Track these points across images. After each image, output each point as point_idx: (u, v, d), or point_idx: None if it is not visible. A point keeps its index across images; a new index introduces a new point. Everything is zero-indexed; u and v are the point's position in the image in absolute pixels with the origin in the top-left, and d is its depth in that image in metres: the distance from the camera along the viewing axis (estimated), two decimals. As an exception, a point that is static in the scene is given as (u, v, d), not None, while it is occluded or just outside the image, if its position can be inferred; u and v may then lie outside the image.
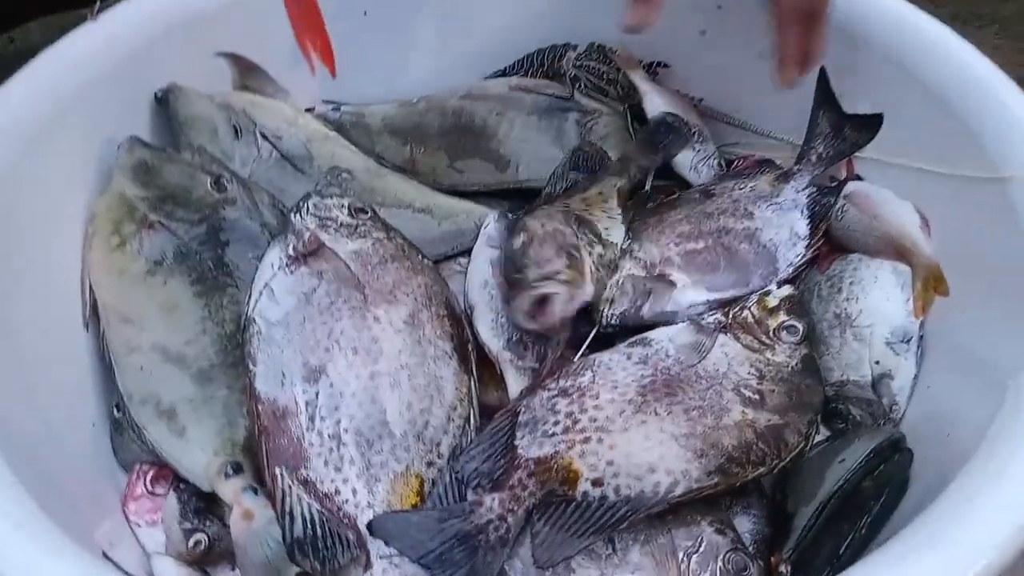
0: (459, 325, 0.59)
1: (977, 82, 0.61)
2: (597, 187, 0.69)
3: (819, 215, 0.67)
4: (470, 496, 0.50)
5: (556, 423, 0.52)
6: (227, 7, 0.70)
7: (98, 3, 0.65)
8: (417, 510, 0.50)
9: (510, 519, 0.49)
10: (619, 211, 0.68)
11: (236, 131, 0.67)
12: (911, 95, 0.65)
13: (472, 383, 0.56)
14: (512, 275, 0.60)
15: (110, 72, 0.63)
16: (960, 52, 0.63)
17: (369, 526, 0.48)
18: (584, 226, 0.64)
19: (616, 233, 0.65)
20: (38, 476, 0.44)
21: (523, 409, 0.53)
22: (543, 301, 0.57)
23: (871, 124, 0.69)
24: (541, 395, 0.54)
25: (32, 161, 0.57)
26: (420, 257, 0.61)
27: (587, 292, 0.59)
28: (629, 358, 0.56)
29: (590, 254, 0.62)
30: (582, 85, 0.78)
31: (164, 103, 0.67)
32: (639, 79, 0.77)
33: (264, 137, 0.68)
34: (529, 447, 0.51)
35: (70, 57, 0.61)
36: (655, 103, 0.76)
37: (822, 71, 0.71)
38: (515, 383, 0.58)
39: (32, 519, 0.39)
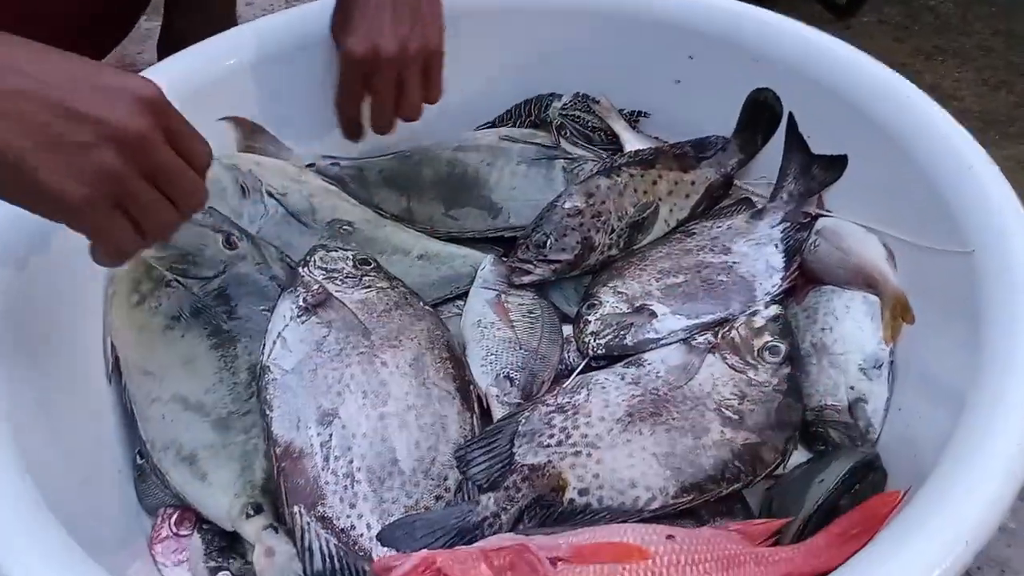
0: (460, 366, 0.63)
1: (942, 139, 0.65)
2: (692, 175, 0.76)
3: (793, 248, 0.72)
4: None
5: (551, 436, 0.57)
6: (228, 75, 0.75)
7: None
8: (419, 514, 0.54)
9: (504, 517, 0.54)
10: (689, 207, 0.76)
11: (243, 190, 0.71)
12: (874, 143, 0.70)
13: (474, 420, 0.60)
14: (532, 228, 0.72)
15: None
16: (925, 107, 0.68)
17: (379, 536, 0.52)
18: (631, 226, 0.73)
19: (651, 236, 0.74)
20: (75, 521, 0.47)
21: (524, 420, 0.58)
22: (525, 273, 0.70)
23: (837, 164, 0.74)
24: (540, 410, 0.59)
25: (56, 228, 0.61)
26: (421, 304, 0.66)
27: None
28: (623, 378, 0.61)
29: (601, 253, 0.72)
30: (567, 133, 0.83)
31: None
32: (620, 127, 0.82)
33: (270, 195, 0.72)
34: (526, 455, 0.56)
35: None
36: (633, 147, 0.81)
37: (791, 116, 0.76)
38: (499, 415, 0.62)
39: (82, 564, 0.43)
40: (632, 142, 0.81)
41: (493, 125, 0.86)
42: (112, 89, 0.42)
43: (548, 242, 0.71)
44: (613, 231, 0.73)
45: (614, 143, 0.83)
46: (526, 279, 0.71)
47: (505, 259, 0.73)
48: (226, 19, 1.03)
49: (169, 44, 1.03)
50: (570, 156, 0.81)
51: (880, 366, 0.63)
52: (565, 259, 0.71)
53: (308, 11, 0.78)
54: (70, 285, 0.61)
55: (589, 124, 0.83)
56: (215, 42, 0.76)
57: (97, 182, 0.42)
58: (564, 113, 0.83)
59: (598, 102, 0.83)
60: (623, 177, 0.75)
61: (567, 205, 0.72)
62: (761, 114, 0.79)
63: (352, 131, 0.73)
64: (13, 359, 0.53)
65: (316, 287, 0.62)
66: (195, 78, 0.73)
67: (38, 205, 0.43)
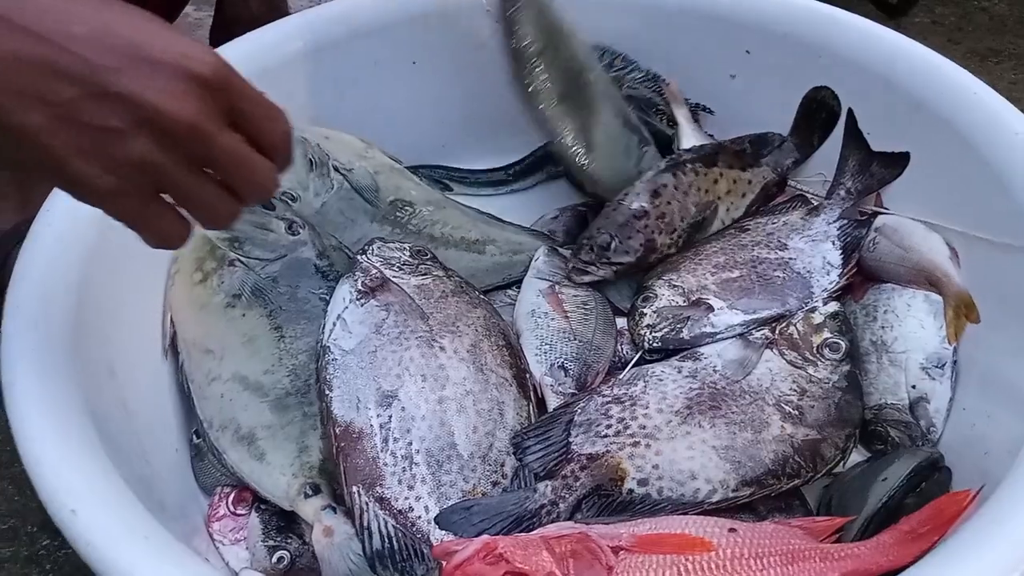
0: (516, 355, 0.63)
1: (1011, 134, 0.64)
2: (749, 174, 0.76)
3: (850, 246, 0.71)
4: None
5: (609, 426, 0.57)
6: (282, 64, 0.75)
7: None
8: (476, 499, 0.54)
9: (561, 506, 0.54)
10: (744, 207, 0.75)
11: (311, 163, 0.72)
12: (938, 139, 0.68)
13: (531, 408, 0.60)
14: (596, 228, 0.71)
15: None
16: (993, 102, 0.67)
17: (437, 520, 0.52)
18: (693, 225, 0.72)
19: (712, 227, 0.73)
20: (143, 495, 0.48)
21: (579, 411, 0.58)
22: (586, 274, 0.69)
23: (898, 161, 0.73)
24: (596, 400, 0.59)
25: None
26: (476, 293, 0.66)
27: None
28: (679, 371, 0.61)
29: (662, 253, 0.71)
30: (632, 107, 0.81)
31: None
32: (682, 117, 0.81)
33: (336, 169, 0.73)
34: (583, 444, 0.56)
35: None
36: (689, 141, 0.80)
37: (850, 112, 0.75)
38: (554, 405, 0.62)
39: (157, 533, 0.43)
40: (689, 135, 0.80)
41: None
42: (160, 63, 0.35)
43: (612, 244, 0.70)
44: (675, 231, 0.72)
45: (669, 128, 0.82)
46: (586, 279, 0.70)
47: (560, 248, 0.73)
48: (278, 9, 1.03)
49: (221, 33, 1.04)
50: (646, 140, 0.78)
51: (943, 365, 0.62)
52: (627, 261, 0.70)
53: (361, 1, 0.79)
54: (138, 261, 0.62)
55: (655, 104, 0.82)
56: (269, 31, 0.77)
57: (129, 173, 0.36)
58: (633, 87, 0.82)
59: (668, 84, 0.82)
60: (688, 176, 0.74)
61: (634, 206, 0.71)
62: (818, 113, 0.78)
63: None
64: (84, 330, 0.54)
65: (374, 272, 0.63)
66: (247, 67, 0.73)
67: (70, 191, 0.38)
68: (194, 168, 0.38)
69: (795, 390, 0.60)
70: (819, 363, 0.62)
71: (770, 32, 0.79)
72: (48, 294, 0.53)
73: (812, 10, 0.79)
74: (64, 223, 0.57)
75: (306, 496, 0.56)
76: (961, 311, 0.64)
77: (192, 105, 0.36)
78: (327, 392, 0.57)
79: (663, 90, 0.82)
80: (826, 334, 0.63)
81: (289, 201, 0.70)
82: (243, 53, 0.74)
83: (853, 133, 0.75)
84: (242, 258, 0.64)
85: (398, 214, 0.73)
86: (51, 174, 0.37)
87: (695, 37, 0.82)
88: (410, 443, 0.55)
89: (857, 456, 0.61)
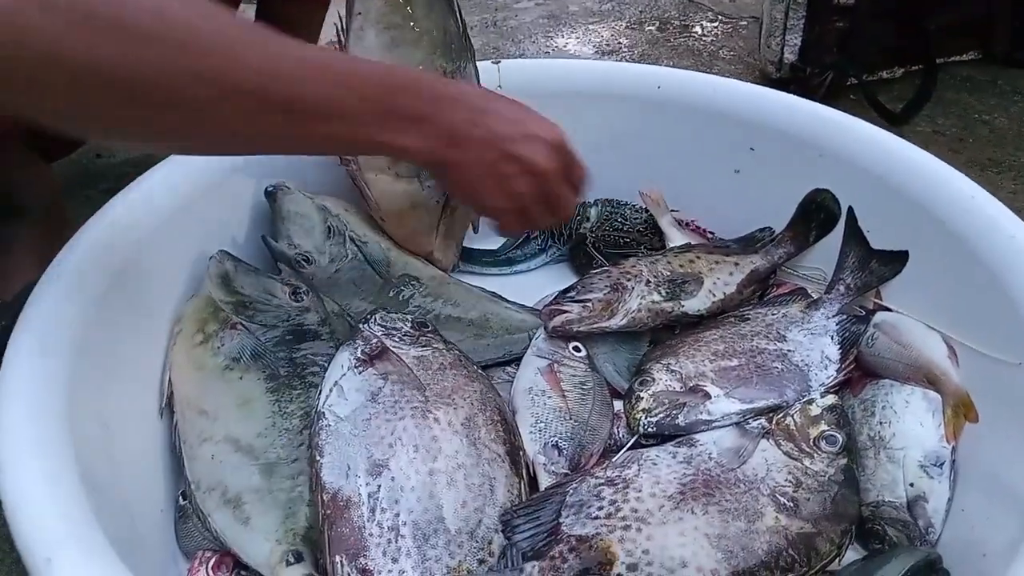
0: (510, 431, 0.63)
1: (1008, 239, 0.65)
2: (734, 258, 0.78)
3: (849, 340, 0.71)
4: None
5: (600, 508, 0.56)
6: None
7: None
8: None
9: None
10: (735, 284, 0.77)
11: (330, 231, 0.75)
12: (938, 241, 0.70)
13: (523, 485, 0.60)
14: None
15: (210, 187, 0.71)
16: (991, 208, 0.68)
17: None
18: (671, 282, 0.75)
19: (698, 303, 0.75)
20: (122, 551, 0.47)
21: (571, 491, 0.57)
22: (559, 314, 0.72)
23: (896, 259, 0.74)
24: (589, 481, 0.58)
25: (136, 268, 0.63)
26: (475, 367, 0.66)
27: (609, 324, 0.73)
28: (674, 456, 0.60)
29: (641, 298, 0.74)
30: (601, 248, 0.85)
31: (271, 198, 0.75)
32: (666, 223, 0.85)
33: (352, 240, 0.75)
34: (573, 525, 0.55)
35: (175, 174, 0.69)
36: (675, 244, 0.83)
37: (851, 209, 0.77)
38: (546, 484, 0.62)
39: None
40: (677, 238, 0.82)
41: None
42: (536, 138, 0.59)
43: (576, 287, 0.74)
44: (649, 283, 0.74)
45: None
46: (559, 319, 0.71)
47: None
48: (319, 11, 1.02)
49: None
50: None
51: (941, 464, 0.62)
52: (594, 297, 0.72)
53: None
54: (142, 321, 0.63)
55: (621, 237, 0.86)
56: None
57: (513, 199, 0.60)
58: (595, 232, 0.86)
59: (625, 204, 0.87)
60: (661, 257, 0.78)
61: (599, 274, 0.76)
62: (816, 214, 0.80)
63: None
64: (81, 381, 0.54)
65: (375, 341, 0.63)
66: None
67: (479, 211, 0.71)
68: (544, 200, 0.61)
69: (791, 481, 0.59)
70: (815, 455, 0.61)
71: (774, 131, 0.82)
72: (49, 344, 0.54)
73: (815, 114, 0.82)
74: (72, 276, 0.58)
75: (288, 564, 0.55)
76: (960, 410, 0.63)
77: (551, 162, 0.60)
78: (318, 458, 0.56)
79: (625, 214, 0.86)
80: (823, 426, 0.63)
81: (304, 263, 0.72)
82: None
83: (853, 230, 0.77)
84: (244, 321, 0.64)
85: (405, 288, 0.75)
86: (469, 201, 0.65)
87: (701, 133, 0.85)
88: (397, 514, 0.54)
89: (853, 554, 0.59)
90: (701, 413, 0.65)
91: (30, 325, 0.55)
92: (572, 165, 0.62)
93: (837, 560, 0.57)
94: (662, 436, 0.65)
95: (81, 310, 0.57)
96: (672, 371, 0.69)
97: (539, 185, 0.60)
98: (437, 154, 0.56)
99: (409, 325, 0.66)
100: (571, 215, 0.69)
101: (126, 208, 0.65)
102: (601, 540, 0.54)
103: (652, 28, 1.56)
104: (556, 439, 0.64)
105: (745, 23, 1.57)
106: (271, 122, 0.49)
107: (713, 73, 1.39)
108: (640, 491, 0.57)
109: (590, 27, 1.56)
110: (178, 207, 0.69)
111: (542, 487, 0.61)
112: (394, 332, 0.65)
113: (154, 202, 0.67)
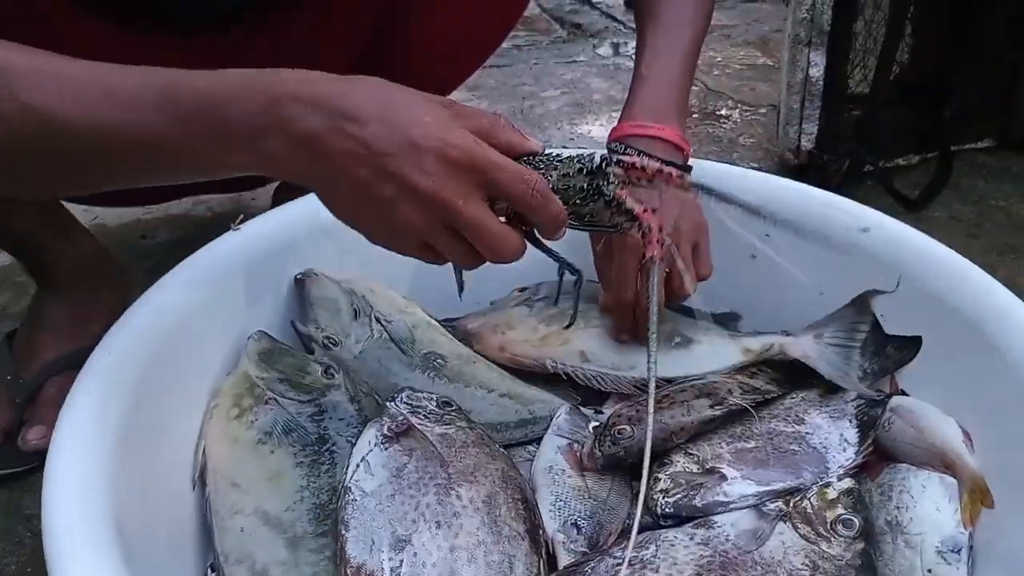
0: (530, 509, 0.64)
1: (1020, 328, 0.67)
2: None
3: (867, 424, 0.72)
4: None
5: None
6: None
7: (241, 216, 0.79)
8: None
9: None
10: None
11: (355, 312, 0.78)
12: (951, 328, 0.72)
13: (541, 564, 0.61)
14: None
15: (250, 268, 0.75)
16: (1002, 298, 0.71)
17: None
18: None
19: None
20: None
21: (590, 570, 0.58)
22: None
23: (911, 344, 0.76)
24: (607, 561, 0.59)
25: (176, 348, 0.67)
26: (497, 446, 0.68)
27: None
28: (692, 538, 0.61)
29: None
30: None
31: (300, 285, 0.79)
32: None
33: (378, 320, 0.79)
34: None
35: (216, 256, 0.74)
36: None
37: (864, 296, 0.79)
38: (565, 562, 0.62)
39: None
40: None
41: None
42: (422, 149, 0.45)
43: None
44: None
45: None
46: (600, 463, 0.70)
47: (581, 408, 0.76)
48: None
49: None
50: None
51: (959, 550, 0.62)
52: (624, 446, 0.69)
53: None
54: (180, 397, 0.66)
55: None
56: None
57: (403, 233, 0.49)
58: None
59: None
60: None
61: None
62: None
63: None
64: (128, 451, 0.57)
65: (401, 418, 0.66)
66: (311, 222, 0.81)
67: (363, 234, 0.51)
68: (448, 230, 0.48)
69: (807, 565, 0.60)
70: (832, 539, 0.62)
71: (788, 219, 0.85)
72: (100, 415, 0.57)
73: (827, 202, 0.85)
74: (123, 354, 0.62)
75: (312, 636, 0.56)
76: (976, 495, 0.64)
77: (448, 183, 0.46)
78: (343, 532, 0.58)
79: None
80: (840, 510, 0.64)
81: (331, 345, 0.75)
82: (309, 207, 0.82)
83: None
84: (278, 397, 0.67)
85: (430, 366, 0.78)
86: (357, 230, 0.51)
87: (716, 219, 0.88)
88: (419, 590, 0.56)
89: (873, 640, 0.59)
90: (718, 495, 0.66)
91: (83, 397, 0.58)
92: (497, 179, 0.47)
93: (855, 646, 0.57)
94: (680, 517, 0.66)
95: (130, 383, 0.61)
96: (689, 454, 0.71)
97: (431, 211, 0.47)
98: (296, 170, 0.47)
99: (434, 403, 0.69)
100: (511, 252, 0.50)
101: (171, 291, 0.70)
102: (619, 619, 0.55)
103: (673, 116, 1.62)
104: (575, 518, 0.66)
105: (764, 111, 1.62)
106: (93, 162, 0.45)
107: (734, 159, 1.44)
108: (657, 572, 0.58)
109: (613, 115, 1.63)
110: (216, 292, 0.73)
111: (561, 565, 0.62)
112: (420, 410, 0.67)
113: (196, 285, 0.71)
